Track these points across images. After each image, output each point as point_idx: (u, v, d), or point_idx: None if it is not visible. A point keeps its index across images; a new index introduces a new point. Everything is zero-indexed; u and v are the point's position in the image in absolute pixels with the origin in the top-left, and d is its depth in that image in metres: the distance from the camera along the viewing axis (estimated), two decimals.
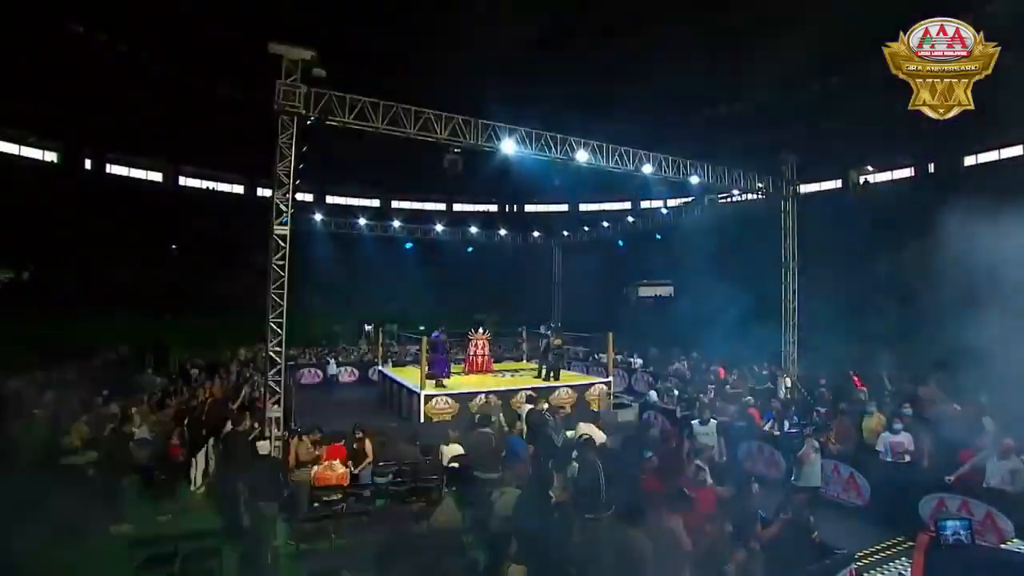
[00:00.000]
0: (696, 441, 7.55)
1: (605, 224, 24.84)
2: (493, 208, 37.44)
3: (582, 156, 10.97)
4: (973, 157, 25.40)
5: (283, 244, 8.29)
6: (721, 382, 12.98)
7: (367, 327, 21.29)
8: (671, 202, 25.94)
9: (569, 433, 7.92)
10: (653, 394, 12.35)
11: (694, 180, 12.19)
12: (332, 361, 20.61)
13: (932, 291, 12.66)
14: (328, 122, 9.07)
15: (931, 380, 10.52)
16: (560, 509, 6.08)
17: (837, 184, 30.10)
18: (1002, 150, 24.37)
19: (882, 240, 21.68)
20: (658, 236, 22.02)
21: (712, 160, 12.63)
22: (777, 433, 8.82)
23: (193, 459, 7.30)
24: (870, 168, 30.61)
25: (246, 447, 5.98)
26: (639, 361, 20.51)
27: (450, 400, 12.52)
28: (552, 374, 14.29)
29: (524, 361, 17.99)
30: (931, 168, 26.98)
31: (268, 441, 5.71)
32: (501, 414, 9.55)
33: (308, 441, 7.11)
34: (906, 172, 28.10)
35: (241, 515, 5.68)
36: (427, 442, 8.54)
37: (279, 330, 8.25)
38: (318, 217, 22.15)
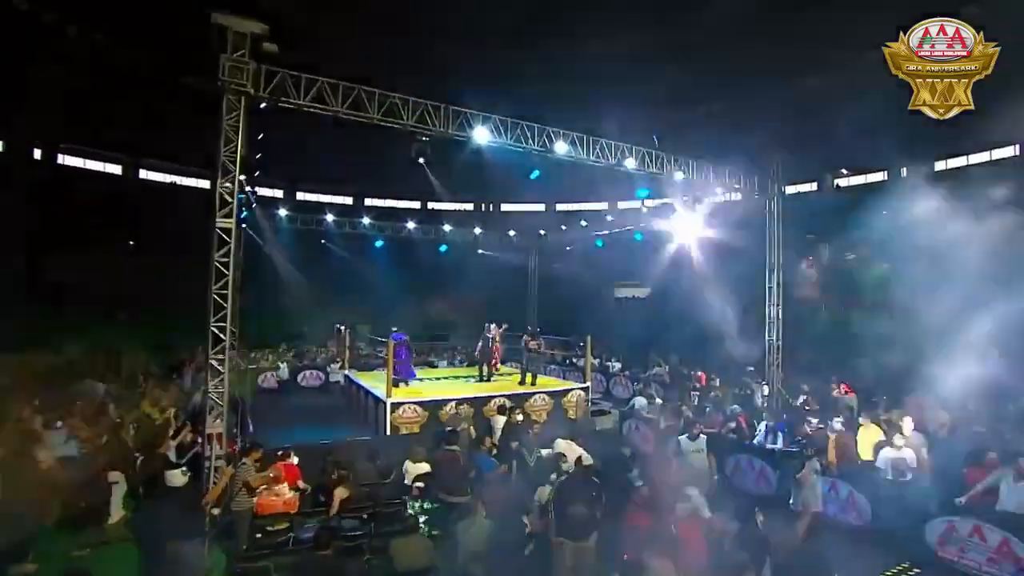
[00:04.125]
0: (687, 460, 6.92)
1: (584, 223, 24.28)
2: (469, 207, 36.67)
3: (561, 148, 10.27)
4: (943, 162, 25.83)
5: (227, 239, 7.39)
6: (704, 389, 12.47)
7: (340, 328, 20.31)
8: (648, 203, 25.66)
9: (545, 452, 7.22)
10: (640, 401, 11.70)
11: (678, 176, 11.62)
12: (283, 365, 19.44)
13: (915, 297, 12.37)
14: (282, 104, 8.19)
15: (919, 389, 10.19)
16: (536, 540, 5.40)
17: (813, 187, 30.55)
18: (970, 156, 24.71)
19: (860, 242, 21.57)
20: (638, 236, 21.49)
21: (696, 157, 12.08)
22: (772, 447, 8.27)
23: (113, 484, 6.38)
24: (845, 171, 31.04)
25: (158, 476, 5.09)
26: (617, 365, 19.99)
27: (419, 409, 11.68)
28: (529, 378, 13.66)
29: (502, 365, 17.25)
30: (903, 172, 27.26)
31: (181, 471, 4.83)
32: (471, 427, 8.81)
33: (251, 462, 6.24)
34: (880, 176, 28.49)
35: (162, 553, 4.83)
36: (388, 459, 7.78)
37: (222, 335, 7.35)
38: (283, 212, 21.00)
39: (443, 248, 26.54)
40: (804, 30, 18.67)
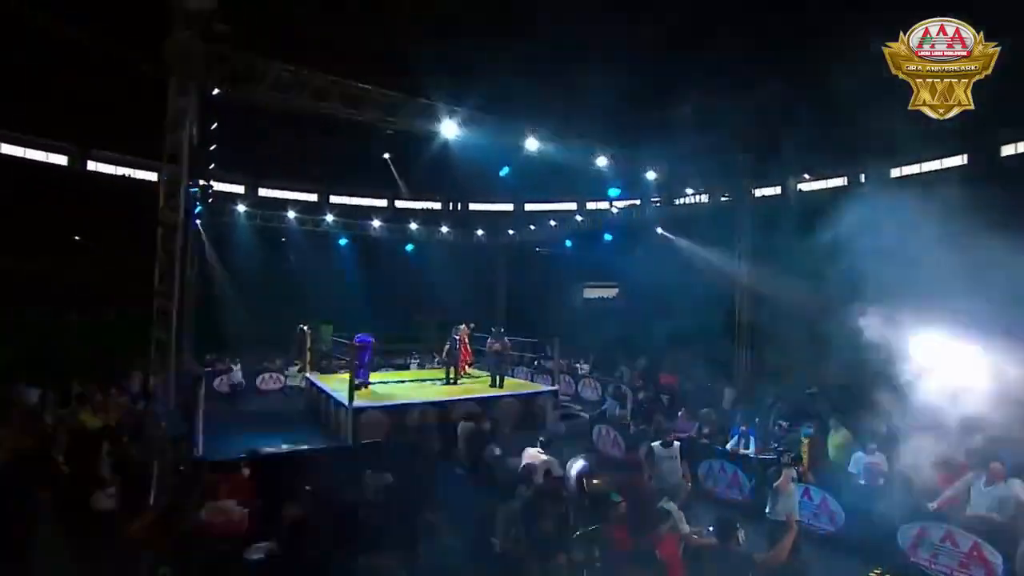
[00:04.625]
0: (660, 468, 6.68)
1: (552, 223, 24.13)
2: (436, 206, 36.10)
3: (532, 144, 9.99)
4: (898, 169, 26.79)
5: (173, 234, 6.82)
6: (674, 391, 12.37)
7: (304, 328, 19.48)
8: (617, 204, 25.70)
9: (514, 462, 6.87)
10: (611, 405, 11.47)
11: (651, 176, 11.49)
12: (236, 368, 18.40)
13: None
14: (237, 91, 7.66)
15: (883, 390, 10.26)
16: (504, 559, 5.07)
17: (777, 190, 31.19)
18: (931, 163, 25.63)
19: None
20: (608, 236, 21.49)
21: (667, 157, 11.98)
22: (744, 452, 8.14)
23: (36, 506, 5.74)
24: (807, 176, 31.83)
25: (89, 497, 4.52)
26: (586, 366, 19.82)
27: (383, 414, 11.24)
28: (498, 381, 13.39)
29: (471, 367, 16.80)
30: (862, 178, 28.12)
31: (106, 494, 4.31)
32: (437, 435, 8.42)
33: (196, 477, 5.71)
34: (840, 181, 29.31)
35: None
36: (350, 470, 7.33)
37: (168, 339, 6.78)
38: (242, 208, 20.14)
39: (409, 247, 26.08)
40: (774, 32, 18.88)
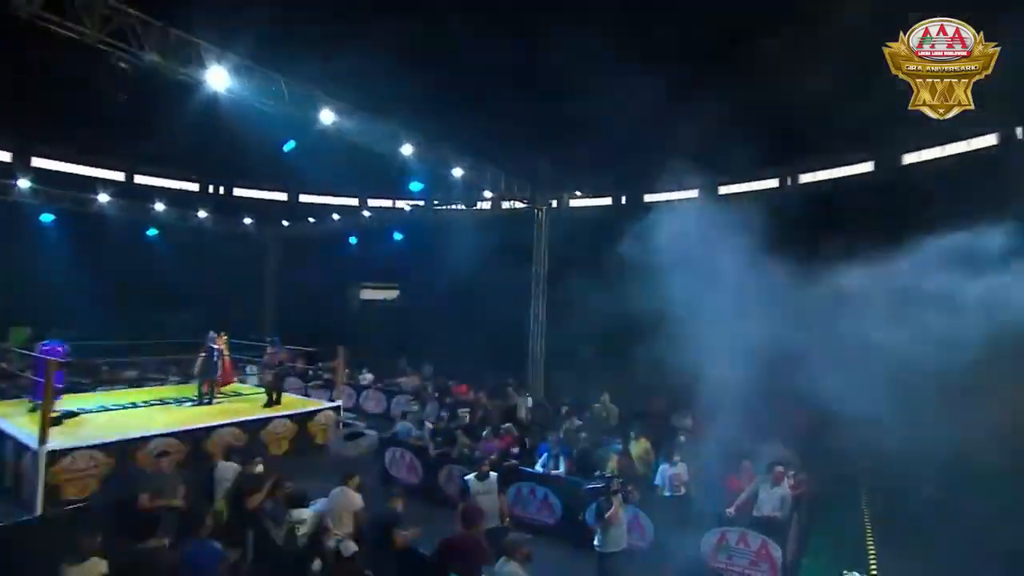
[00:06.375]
0: (476, 502, 5.71)
1: (336, 217, 22.01)
2: (192, 187, 30.30)
3: (327, 116, 8.27)
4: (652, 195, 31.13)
5: None
6: (470, 403, 11.70)
7: None
8: (409, 202, 24.57)
9: (304, 515, 5.17)
10: (404, 426, 10.20)
11: (457, 172, 10.67)
12: None
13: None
14: None
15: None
16: None
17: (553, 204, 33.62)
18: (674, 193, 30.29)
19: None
20: (397, 236, 20.27)
21: (475, 155, 11.32)
22: (556, 472, 7.72)
23: None
24: (578, 193, 35.00)
25: None
26: (369, 376, 18.18)
27: (98, 455, 8.18)
28: (274, 398, 11.25)
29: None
30: (623, 200, 31.97)
31: None
32: (181, 487, 6.11)
33: None
34: (606, 201, 32.88)
35: None
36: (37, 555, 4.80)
37: None
38: None
39: (152, 232, 21.31)
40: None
